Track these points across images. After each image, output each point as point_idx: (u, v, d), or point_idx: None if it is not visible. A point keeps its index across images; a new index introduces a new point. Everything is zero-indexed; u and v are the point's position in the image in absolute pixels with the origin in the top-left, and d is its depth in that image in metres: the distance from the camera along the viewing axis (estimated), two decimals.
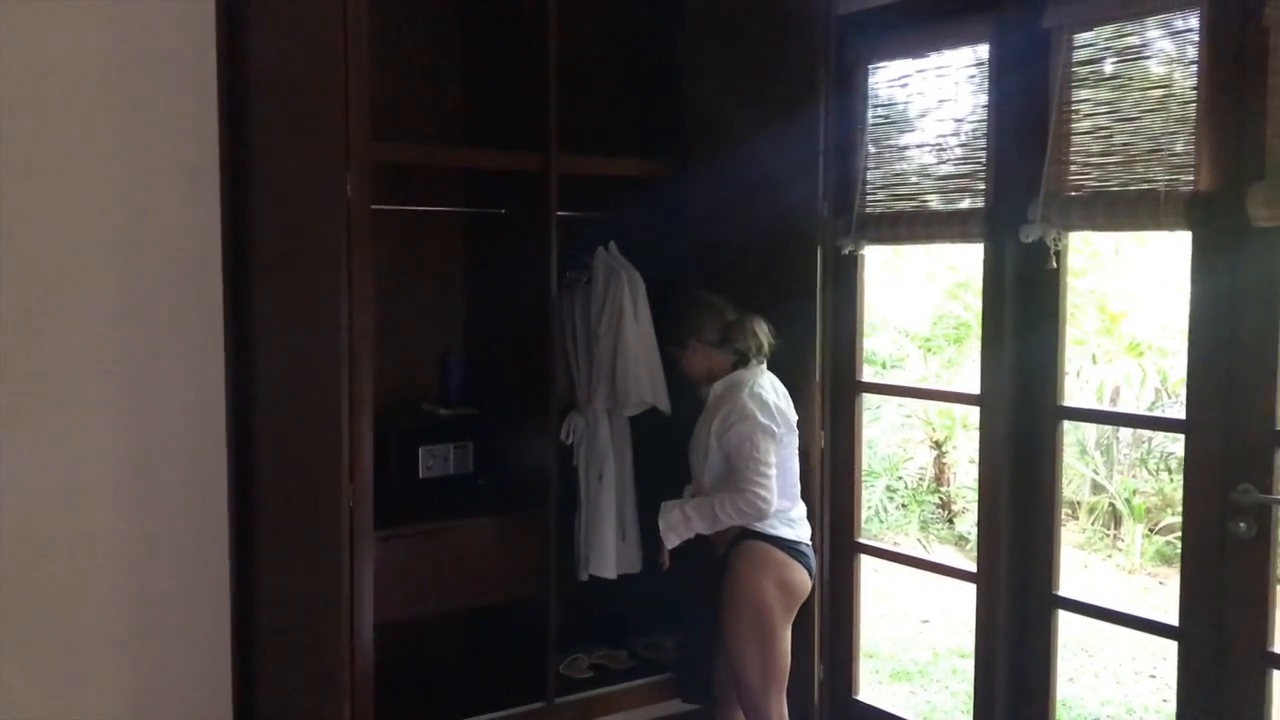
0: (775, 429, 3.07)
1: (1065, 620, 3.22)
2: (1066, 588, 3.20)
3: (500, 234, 3.64)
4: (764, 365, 3.21)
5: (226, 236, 3.02)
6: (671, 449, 3.39)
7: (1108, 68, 2.95)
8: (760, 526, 3.09)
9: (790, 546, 3.12)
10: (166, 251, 2.92)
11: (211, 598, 2.98)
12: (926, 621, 5.92)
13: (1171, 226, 2.77)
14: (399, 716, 3.24)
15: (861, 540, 3.70)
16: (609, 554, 3.50)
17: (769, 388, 3.16)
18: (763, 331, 3.21)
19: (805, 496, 3.27)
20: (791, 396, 3.25)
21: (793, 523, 3.16)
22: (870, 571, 6.39)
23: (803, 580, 3.13)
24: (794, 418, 3.20)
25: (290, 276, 2.91)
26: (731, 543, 3.12)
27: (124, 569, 2.89)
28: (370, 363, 2.68)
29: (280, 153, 2.95)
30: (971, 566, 3.36)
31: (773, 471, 3.04)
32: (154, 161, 2.90)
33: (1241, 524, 2.68)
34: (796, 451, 3.21)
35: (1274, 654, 2.69)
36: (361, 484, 2.67)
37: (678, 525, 3.08)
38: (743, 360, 3.19)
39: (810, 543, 3.21)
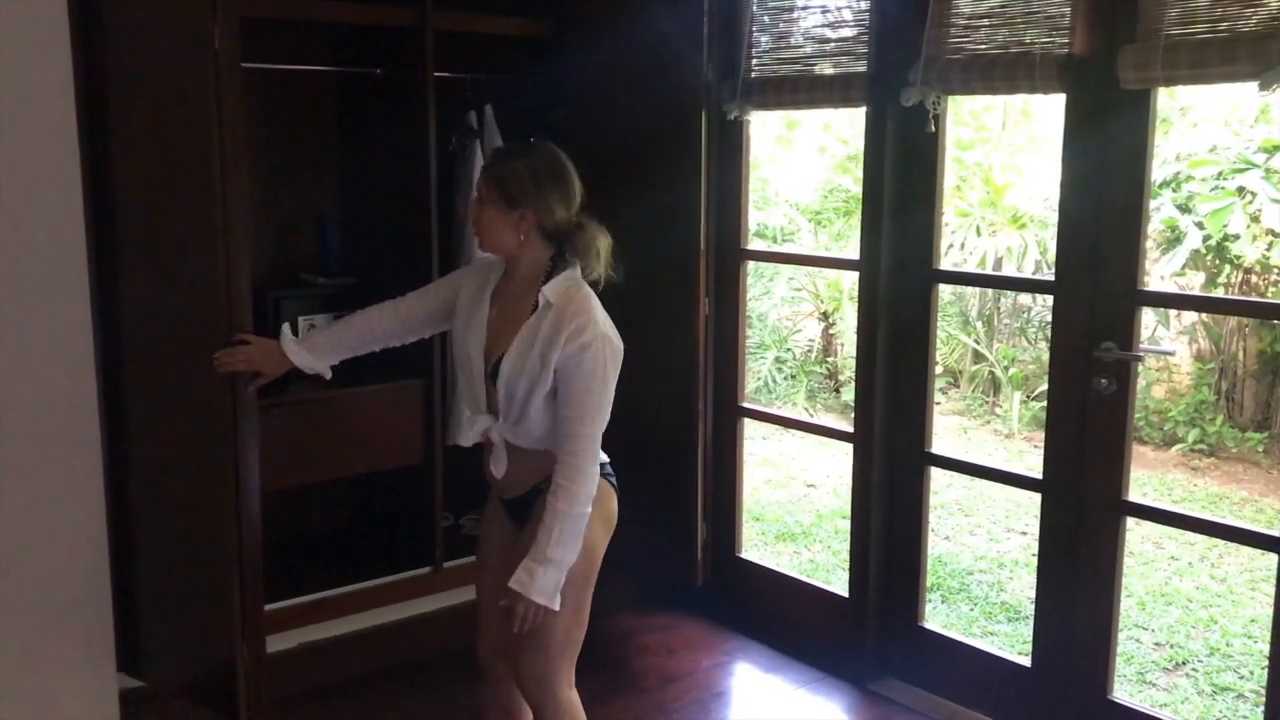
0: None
1: (944, 482, 3.35)
2: (943, 449, 3.31)
3: (378, 95, 3.53)
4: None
5: (80, 98, 2.83)
6: None
7: None
8: None
9: (606, 472, 2.43)
10: (13, 115, 2.72)
11: (83, 469, 2.87)
12: (813, 486, 6.08)
13: (1046, 89, 2.81)
14: (288, 583, 3.26)
15: (744, 405, 3.77)
16: (461, 423, 3.50)
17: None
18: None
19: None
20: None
21: None
22: (759, 440, 6.56)
23: (616, 510, 2.47)
24: None
25: (157, 140, 2.76)
26: (548, 479, 2.30)
27: None
28: (246, 228, 2.59)
29: (143, 5, 2.78)
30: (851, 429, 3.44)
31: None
32: None
33: (1103, 380, 2.79)
34: None
35: (1128, 502, 2.84)
36: None
37: (550, 587, 2.22)
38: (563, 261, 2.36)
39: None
